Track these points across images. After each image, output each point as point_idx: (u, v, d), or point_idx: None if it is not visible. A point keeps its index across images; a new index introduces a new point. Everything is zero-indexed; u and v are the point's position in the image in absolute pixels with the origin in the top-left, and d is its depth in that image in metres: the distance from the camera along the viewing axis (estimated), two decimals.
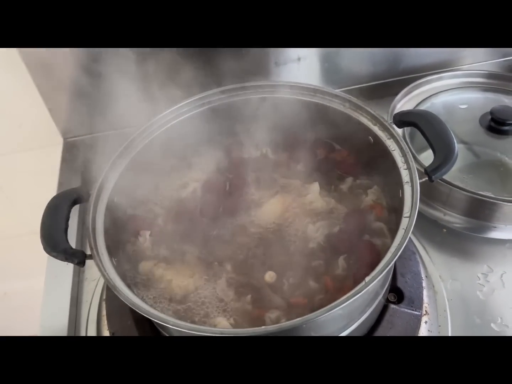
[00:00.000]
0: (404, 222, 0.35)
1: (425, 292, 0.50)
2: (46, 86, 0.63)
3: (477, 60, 0.76)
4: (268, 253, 0.44)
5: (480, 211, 0.56)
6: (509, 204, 0.54)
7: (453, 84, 0.69)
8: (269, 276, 0.42)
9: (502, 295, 0.52)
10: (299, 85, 0.50)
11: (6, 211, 0.87)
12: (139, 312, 0.32)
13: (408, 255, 0.50)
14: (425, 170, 0.38)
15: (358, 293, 0.31)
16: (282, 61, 0.67)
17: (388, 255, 0.33)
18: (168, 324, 0.31)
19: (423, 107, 0.66)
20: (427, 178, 0.38)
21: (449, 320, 0.50)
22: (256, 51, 0.65)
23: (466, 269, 0.54)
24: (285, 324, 0.31)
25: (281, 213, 0.47)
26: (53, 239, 0.37)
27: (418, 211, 0.59)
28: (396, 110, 0.65)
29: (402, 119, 0.42)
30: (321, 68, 0.71)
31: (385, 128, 0.42)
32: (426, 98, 0.67)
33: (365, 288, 0.31)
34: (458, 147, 0.62)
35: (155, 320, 0.32)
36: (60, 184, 0.67)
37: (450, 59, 0.74)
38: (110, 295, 0.49)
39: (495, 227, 0.57)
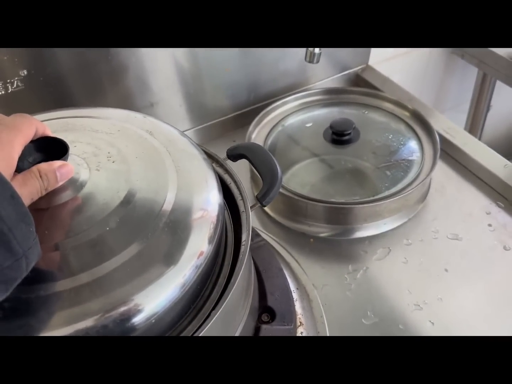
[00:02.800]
0: (242, 249, 0.38)
1: (298, 304, 0.53)
2: None
3: (319, 79, 0.83)
4: None
5: (338, 217, 0.61)
6: (359, 206, 0.60)
7: (298, 105, 0.75)
8: None
9: (368, 289, 0.57)
10: None
11: None
12: None
13: (275, 273, 0.53)
14: (256, 197, 0.41)
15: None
16: (135, 108, 0.68)
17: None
18: None
19: (276, 131, 0.71)
20: (259, 205, 0.41)
21: (326, 325, 0.53)
22: None
23: (335, 273, 0.59)
24: None
25: None
26: None
27: (285, 226, 0.63)
28: (252, 139, 0.70)
29: (233, 153, 0.45)
30: (178, 110, 0.74)
31: (220, 165, 0.45)
32: (278, 122, 0.72)
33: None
34: (312, 160, 0.69)
35: None
36: None
37: (296, 82, 0.81)
38: None
39: (354, 228, 0.62)
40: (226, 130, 0.80)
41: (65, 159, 0.34)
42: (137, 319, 0.31)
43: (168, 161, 0.38)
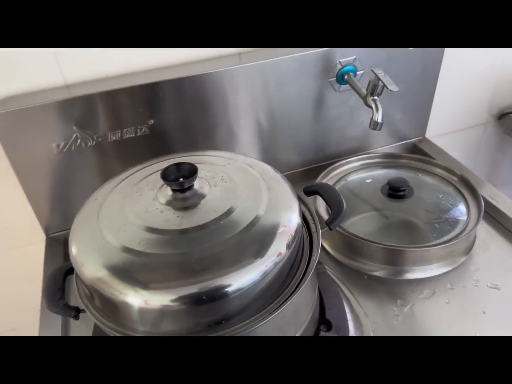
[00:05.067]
0: (312, 258, 0.50)
1: (351, 323, 0.63)
2: (33, 188, 0.77)
3: (380, 145, 0.97)
4: None
5: (390, 258, 0.72)
6: (410, 249, 0.70)
7: (360, 165, 0.89)
8: None
9: (413, 321, 0.65)
10: None
11: None
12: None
13: (333, 294, 0.63)
14: (325, 222, 0.53)
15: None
16: None
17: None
18: None
19: (339, 185, 0.84)
20: (327, 228, 0.53)
21: None
22: None
23: (384, 305, 0.68)
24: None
25: None
26: (54, 299, 0.49)
27: (343, 264, 0.74)
28: None
29: (309, 190, 0.58)
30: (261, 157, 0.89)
31: (298, 197, 0.58)
32: (341, 177, 0.85)
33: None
34: (371, 214, 0.80)
35: None
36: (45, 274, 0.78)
37: (359, 146, 0.95)
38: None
39: (404, 269, 0.72)
40: (294, 182, 0.94)
41: (195, 178, 0.49)
42: (229, 289, 0.42)
43: (263, 185, 0.52)
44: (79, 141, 0.74)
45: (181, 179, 0.49)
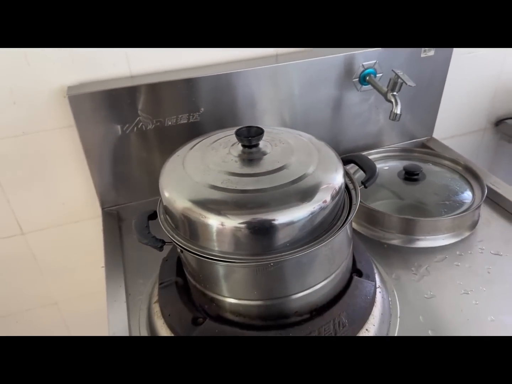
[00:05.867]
0: (352, 207, 0.62)
1: (376, 275, 0.74)
2: (97, 164, 0.89)
3: (392, 143, 1.10)
4: None
5: (407, 228, 0.83)
6: (424, 219, 0.82)
7: (379, 157, 1.01)
8: None
9: (429, 278, 0.77)
10: None
11: (42, 281, 1.05)
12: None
13: (362, 252, 0.75)
14: (361, 182, 0.65)
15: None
16: None
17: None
18: None
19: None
20: (363, 186, 0.65)
21: (395, 294, 0.73)
22: None
23: (403, 266, 0.79)
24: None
25: None
26: (143, 232, 0.60)
27: (364, 235, 0.85)
28: None
29: (346, 159, 0.70)
30: None
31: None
32: None
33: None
34: (389, 196, 0.92)
35: None
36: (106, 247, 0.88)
37: (374, 142, 1.07)
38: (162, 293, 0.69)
39: (419, 238, 0.83)
40: None
41: (261, 137, 0.61)
42: (279, 221, 0.54)
43: (314, 151, 0.64)
44: (141, 124, 0.86)
45: (250, 137, 0.61)
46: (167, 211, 0.60)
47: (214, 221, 0.54)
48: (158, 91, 0.85)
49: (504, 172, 1.32)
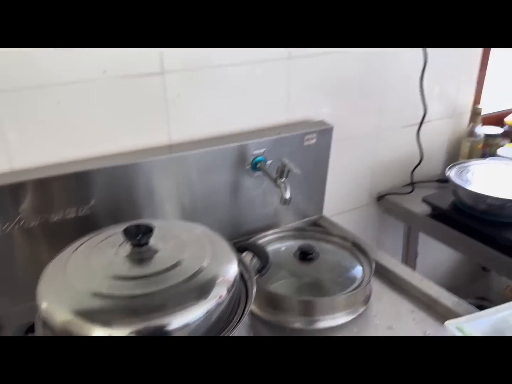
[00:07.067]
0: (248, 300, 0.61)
1: None
2: None
3: (287, 222, 1.14)
4: None
5: (307, 310, 0.85)
6: (321, 299, 0.84)
7: (275, 237, 1.04)
8: None
9: None
10: None
11: None
12: None
13: None
14: (257, 270, 0.66)
15: None
16: None
17: None
18: None
19: None
20: (258, 275, 0.66)
21: None
22: None
23: None
24: None
25: None
26: None
27: (265, 320, 0.85)
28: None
29: (241, 247, 0.71)
30: None
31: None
32: None
33: None
34: (287, 276, 0.94)
35: None
36: None
37: (271, 223, 1.11)
38: None
39: (319, 319, 0.85)
40: None
41: (151, 235, 0.60)
42: (174, 326, 0.51)
43: (207, 244, 0.64)
44: (23, 221, 0.80)
45: (139, 235, 0.59)
46: (46, 324, 0.54)
47: (100, 334, 0.50)
48: (42, 186, 0.81)
49: (391, 241, 1.43)
